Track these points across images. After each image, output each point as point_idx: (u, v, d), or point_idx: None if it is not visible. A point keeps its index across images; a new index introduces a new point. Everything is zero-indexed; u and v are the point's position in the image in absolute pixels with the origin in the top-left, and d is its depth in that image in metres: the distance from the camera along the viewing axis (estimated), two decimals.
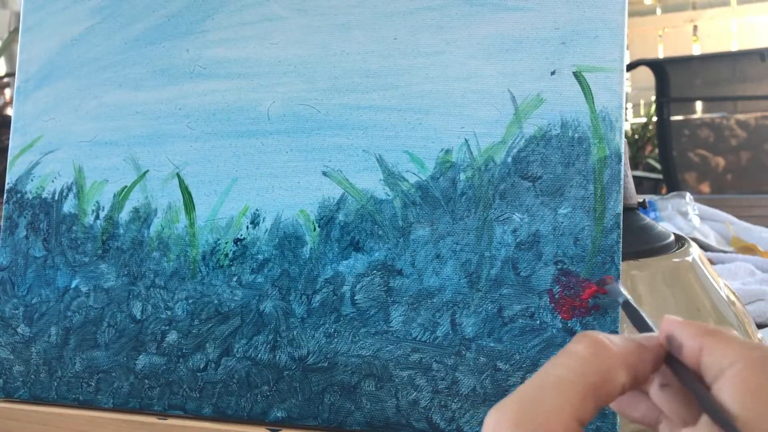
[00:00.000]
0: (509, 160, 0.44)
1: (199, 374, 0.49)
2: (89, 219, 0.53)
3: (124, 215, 0.52)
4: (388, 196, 0.46)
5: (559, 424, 0.24)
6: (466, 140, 0.45)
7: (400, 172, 0.46)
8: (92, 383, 0.51)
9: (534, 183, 0.44)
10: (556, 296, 0.43)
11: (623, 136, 0.43)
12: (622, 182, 0.42)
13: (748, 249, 1.19)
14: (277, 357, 0.47)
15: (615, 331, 0.42)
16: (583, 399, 0.24)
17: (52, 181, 0.54)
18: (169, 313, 0.50)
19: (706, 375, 0.25)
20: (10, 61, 2.00)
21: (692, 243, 0.56)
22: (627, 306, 0.29)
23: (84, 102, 0.54)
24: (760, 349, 0.25)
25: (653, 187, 2.48)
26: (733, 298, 0.55)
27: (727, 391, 0.24)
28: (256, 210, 0.49)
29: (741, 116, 2.14)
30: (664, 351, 0.27)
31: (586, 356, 0.25)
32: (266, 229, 0.48)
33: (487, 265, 0.44)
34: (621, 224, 0.42)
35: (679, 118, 2.21)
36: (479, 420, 0.43)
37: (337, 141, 0.48)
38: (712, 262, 1.03)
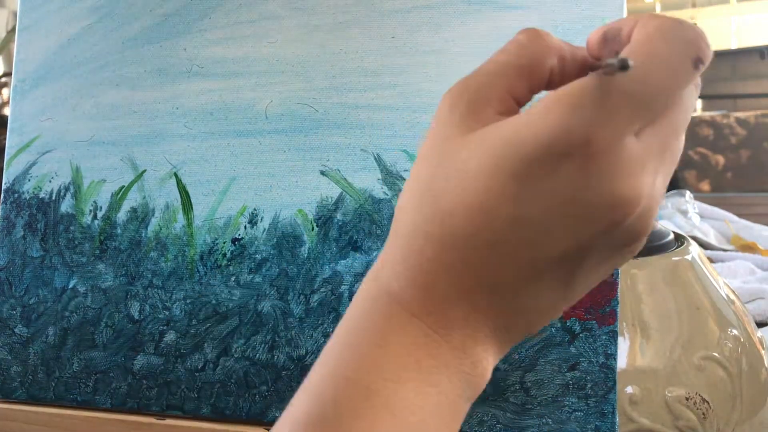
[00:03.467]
0: None
1: (197, 374, 0.48)
2: (87, 219, 0.52)
3: (121, 215, 0.51)
4: (387, 195, 0.46)
5: (493, 94, 0.27)
6: None
7: (398, 171, 0.46)
8: (90, 383, 0.51)
9: None
10: None
11: None
12: None
13: (748, 247, 1.19)
14: (276, 357, 0.47)
15: (614, 331, 0.42)
16: (517, 76, 0.27)
17: (50, 181, 0.54)
18: (167, 313, 0.50)
19: None
20: (8, 60, 2.00)
21: (692, 241, 0.56)
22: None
23: (81, 102, 0.54)
24: (667, 29, 0.27)
25: None
26: (732, 296, 0.55)
27: (628, 48, 0.26)
28: (254, 209, 0.49)
29: (741, 114, 2.13)
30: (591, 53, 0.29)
31: (522, 42, 0.28)
32: (264, 229, 0.48)
33: None
34: None
35: None
36: (478, 420, 0.43)
37: (335, 140, 0.47)
38: (711, 261, 1.03)
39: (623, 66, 0.25)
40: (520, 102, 0.28)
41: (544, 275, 0.27)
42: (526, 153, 0.25)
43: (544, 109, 0.25)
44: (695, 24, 0.27)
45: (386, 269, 0.28)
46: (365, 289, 0.29)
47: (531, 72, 0.28)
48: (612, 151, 0.25)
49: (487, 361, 0.28)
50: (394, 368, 0.26)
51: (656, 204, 0.27)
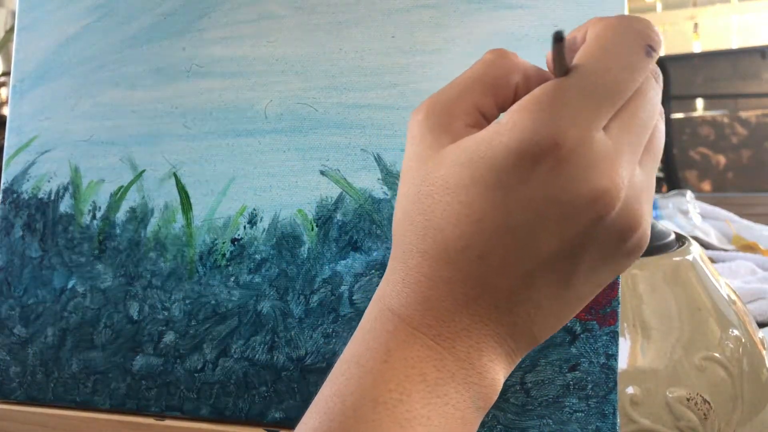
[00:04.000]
0: None
1: (196, 375, 0.48)
2: (86, 219, 0.52)
3: (120, 215, 0.51)
4: (387, 195, 0.46)
5: (461, 108, 0.29)
6: None
7: (398, 171, 0.46)
8: (89, 384, 0.51)
9: None
10: None
11: None
12: None
13: (749, 247, 1.18)
14: (275, 358, 0.47)
15: (615, 332, 0.41)
16: (482, 92, 0.29)
17: (48, 181, 0.54)
18: (166, 313, 0.49)
19: None
20: (7, 60, 2.00)
21: (693, 241, 0.56)
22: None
23: (80, 101, 0.53)
24: (615, 22, 0.28)
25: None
26: (734, 296, 0.54)
27: (579, 53, 0.27)
28: (254, 209, 0.48)
29: (742, 114, 2.13)
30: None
31: (488, 60, 0.30)
32: (264, 229, 0.48)
33: None
34: None
35: (680, 116, 2.21)
36: None
37: (334, 140, 0.47)
38: (713, 261, 1.03)
39: (557, 38, 0.26)
40: (487, 117, 0.29)
41: (537, 280, 0.27)
42: (500, 163, 0.26)
43: (510, 119, 0.26)
44: (641, 16, 0.28)
45: (388, 288, 0.29)
46: (370, 310, 0.30)
47: (496, 88, 0.29)
48: (582, 149, 0.25)
49: (495, 371, 0.28)
50: (400, 381, 0.27)
51: (643, 195, 0.28)
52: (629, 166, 0.27)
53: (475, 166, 0.26)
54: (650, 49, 0.27)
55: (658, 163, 0.29)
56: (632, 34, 0.27)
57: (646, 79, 0.28)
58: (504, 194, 0.26)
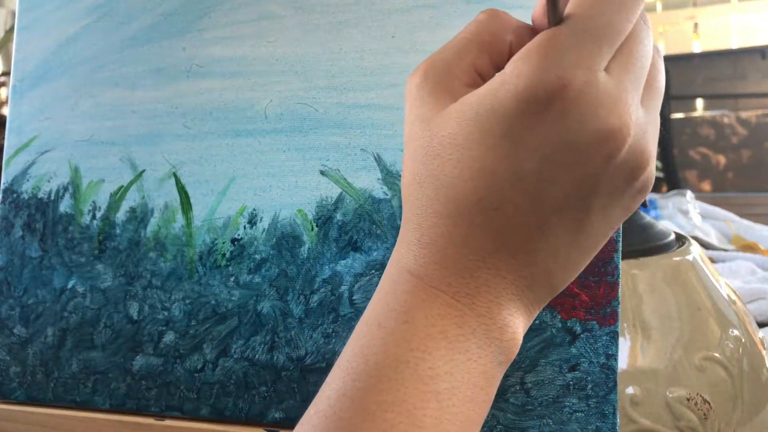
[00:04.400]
0: None
1: (196, 375, 0.48)
2: (85, 219, 0.52)
3: (120, 215, 0.51)
4: (387, 195, 0.46)
5: (458, 68, 0.29)
6: None
7: (398, 171, 0.46)
8: (89, 384, 0.51)
9: None
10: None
11: None
12: None
13: (749, 247, 1.18)
14: (275, 358, 0.47)
15: (615, 332, 0.41)
16: (478, 51, 0.29)
17: (48, 181, 0.54)
18: (166, 313, 0.49)
19: None
20: (7, 60, 2.00)
21: (693, 241, 0.56)
22: None
23: (80, 101, 0.53)
24: None
25: (654, 186, 2.47)
26: (734, 296, 0.54)
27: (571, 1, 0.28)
28: (254, 209, 0.48)
29: (742, 114, 2.13)
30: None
31: (482, 20, 0.30)
32: (264, 229, 0.48)
33: None
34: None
35: (680, 115, 2.21)
36: None
37: (334, 140, 0.47)
38: (712, 261, 1.03)
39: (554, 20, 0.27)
40: (483, 76, 0.29)
41: (553, 227, 0.28)
42: (509, 111, 0.26)
43: (515, 68, 0.26)
44: None
45: (403, 251, 0.29)
46: (388, 274, 0.30)
47: (491, 46, 0.29)
48: (588, 89, 0.26)
49: (515, 324, 0.29)
50: (421, 339, 0.27)
51: (649, 134, 0.28)
52: (634, 105, 0.27)
53: (483, 119, 0.26)
54: None
55: (660, 101, 0.29)
56: None
57: (637, 20, 0.28)
58: (514, 143, 0.26)
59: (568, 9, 0.28)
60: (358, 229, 0.46)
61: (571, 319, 0.42)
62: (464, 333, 0.27)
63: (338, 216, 0.47)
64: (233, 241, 0.49)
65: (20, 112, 0.55)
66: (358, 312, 0.45)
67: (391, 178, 0.46)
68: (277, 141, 0.48)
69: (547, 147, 0.26)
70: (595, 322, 0.42)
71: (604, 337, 0.42)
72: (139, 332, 0.50)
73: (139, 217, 0.51)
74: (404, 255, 0.29)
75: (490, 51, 0.29)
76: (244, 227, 0.48)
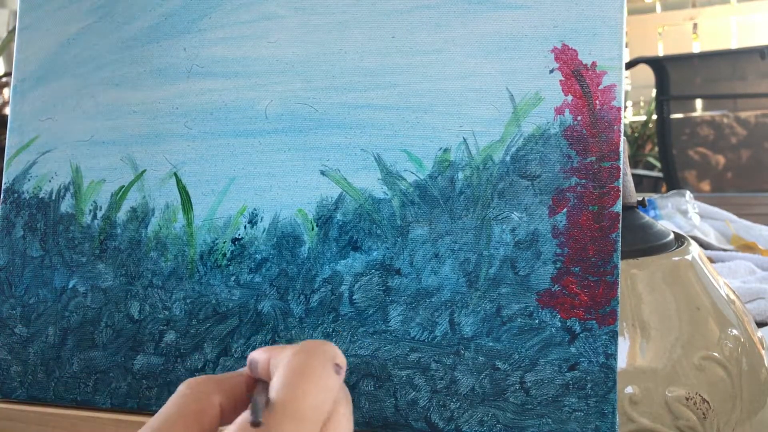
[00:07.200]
0: (508, 158, 0.44)
1: (197, 374, 0.48)
2: (86, 219, 0.52)
3: (121, 215, 0.51)
4: (387, 195, 0.46)
5: None
6: (465, 139, 0.45)
7: (398, 171, 0.46)
8: (90, 383, 0.51)
9: (533, 182, 0.43)
10: (555, 295, 0.43)
11: (622, 134, 0.43)
12: (621, 181, 0.42)
13: (748, 247, 1.19)
14: None
15: (614, 331, 0.42)
16: (185, 426, 0.29)
17: (49, 181, 0.54)
18: (166, 312, 0.50)
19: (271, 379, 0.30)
20: (9, 60, 2.00)
21: (692, 241, 0.56)
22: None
23: (81, 101, 0.54)
24: (302, 345, 0.30)
25: (653, 186, 2.48)
26: (733, 296, 0.55)
27: (274, 384, 0.28)
28: (254, 209, 0.49)
29: (741, 114, 2.13)
30: (249, 375, 0.32)
31: (184, 391, 0.30)
32: (264, 229, 0.48)
33: (486, 264, 0.44)
34: (620, 223, 0.42)
35: (679, 116, 2.21)
36: (478, 419, 0.43)
37: (335, 140, 0.47)
38: (712, 261, 1.03)
39: (254, 423, 0.27)
40: None
41: None
42: None
43: None
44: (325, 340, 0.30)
45: None
46: None
47: (199, 415, 0.30)
48: None
49: None
50: None
51: None
52: None
53: None
54: (338, 366, 0.29)
55: None
56: (322, 356, 0.29)
57: (338, 395, 0.29)
58: None
59: (273, 394, 0.28)
60: (358, 228, 0.46)
61: (570, 319, 0.42)
62: None
63: (338, 216, 0.47)
64: (234, 240, 0.49)
65: (21, 112, 0.55)
66: (357, 311, 0.46)
67: (391, 177, 0.46)
68: (277, 141, 0.49)
69: None
70: (594, 322, 0.42)
71: (604, 337, 0.42)
72: (139, 332, 0.50)
73: (140, 216, 0.51)
74: None
75: (200, 419, 0.29)
76: (245, 227, 0.49)
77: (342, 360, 0.30)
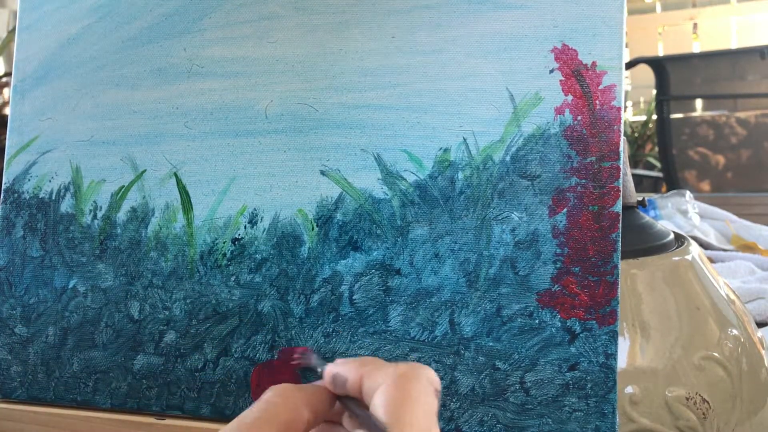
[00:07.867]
0: (508, 158, 0.44)
1: (197, 374, 0.48)
2: (87, 219, 0.52)
3: (121, 215, 0.51)
4: (387, 195, 0.46)
5: None
6: (465, 139, 0.45)
7: (398, 171, 0.46)
8: (90, 383, 0.51)
9: (533, 182, 0.43)
10: (555, 295, 0.43)
11: (622, 134, 0.43)
12: (621, 180, 0.42)
13: (748, 247, 1.19)
14: (276, 357, 0.47)
15: (614, 331, 0.42)
16: None
17: (49, 181, 0.54)
18: (167, 313, 0.50)
19: (366, 398, 0.30)
20: (9, 60, 2.00)
21: (692, 241, 0.56)
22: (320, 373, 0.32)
23: (81, 101, 0.54)
24: (402, 369, 0.30)
25: (653, 186, 2.48)
26: (732, 296, 0.55)
27: (378, 407, 0.29)
28: (254, 209, 0.49)
29: (741, 114, 2.13)
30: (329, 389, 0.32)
31: (274, 400, 0.30)
32: (264, 229, 0.48)
33: (486, 264, 0.44)
34: (620, 223, 0.42)
35: (679, 116, 2.21)
36: (478, 419, 0.43)
37: (335, 140, 0.47)
38: (712, 261, 1.03)
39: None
40: None
41: None
42: None
43: None
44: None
45: None
46: None
47: (288, 426, 0.29)
48: None
49: None
50: None
51: None
52: None
53: None
54: (437, 392, 0.30)
55: None
56: (425, 382, 0.29)
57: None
58: None
59: (388, 413, 0.28)
60: (358, 228, 0.46)
61: (570, 319, 0.42)
62: None
63: (338, 216, 0.47)
64: (234, 240, 0.49)
65: (21, 112, 0.55)
66: (358, 311, 0.46)
67: (391, 178, 0.46)
68: (277, 141, 0.49)
69: None
70: (594, 322, 0.42)
71: (604, 337, 0.42)
72: (139, 332, 0.50)
73: (140, 216, 0.51)
74: None
75: (288, 429, 0.29)
76: (245, 227, 0.49)
77: (439, 385, 0.30)
